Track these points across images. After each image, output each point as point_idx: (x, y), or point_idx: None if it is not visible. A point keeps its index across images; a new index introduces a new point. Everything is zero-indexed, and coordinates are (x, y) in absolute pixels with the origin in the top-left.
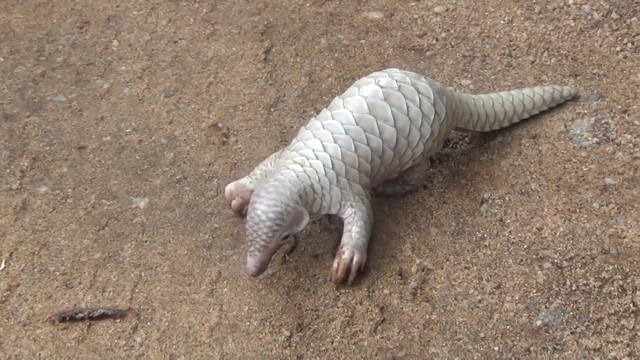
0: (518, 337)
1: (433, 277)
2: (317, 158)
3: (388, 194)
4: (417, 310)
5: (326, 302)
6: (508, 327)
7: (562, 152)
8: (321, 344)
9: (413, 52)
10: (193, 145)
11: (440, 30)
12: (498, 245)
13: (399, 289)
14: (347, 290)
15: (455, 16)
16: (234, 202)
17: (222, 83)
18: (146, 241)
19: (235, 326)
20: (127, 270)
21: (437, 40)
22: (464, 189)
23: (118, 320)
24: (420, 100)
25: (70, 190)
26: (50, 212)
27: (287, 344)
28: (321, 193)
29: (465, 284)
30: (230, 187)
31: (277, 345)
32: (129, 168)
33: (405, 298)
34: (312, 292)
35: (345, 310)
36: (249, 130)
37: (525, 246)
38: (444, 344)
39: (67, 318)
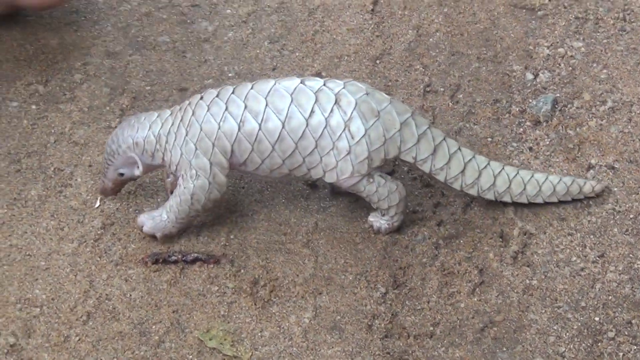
0: (620, 309)
1: (535, 242)
2: (181, 110)
3: (383, 230)
4: (517, 275)
5: (424, 260)
6: (610, 297)
7: None
8: (417, 303)
9: (524, 11)
10: None
11: None
12: (603, 214)
13: (500, 252)
14: (446, 250)
15: None
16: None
17: (327, 32)
18: (243, 188)
19: (330, 279)
20: (223, 215)
21: (549, 0)
22: (570, 154)
23: (211, 266)
24: (332, 110)
25: None
26: None
27: (382, 300)
28: (163, 147)
29: (568, 250)
30: None
31: (371, 301)
32: None
33: (506, 261)
34: (410, 249)
35: (443, 269)
36: (353, 79)
37: (631, 216)
38: (544, 311)
39: (160, 260)
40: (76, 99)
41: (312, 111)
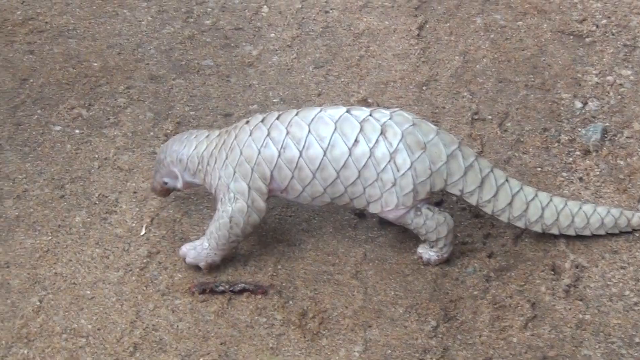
0: None
1: (587, 275)
2: (227, 132)
3: (432, 261)
4: (569, 309)
5: (475, 293)
6: None
7: None
8: (468, 337)
9: (572, 37)
10: None
11: (600, 16)
12: None
13: (552, 285)
14: (497, 283)
15: (617, 3)
16: None
17: (373, 57)
18: (290, 216)
19: (379, 311)
20: (270, 245)
21: (597, 27)
22: (621, 185)
23: (259, 297)
24: (377, 141)
25: None
26: None
27: (433, 334)
28: (205, 168)
29: (621, 284)
30: None
31: (422, 334)
32: None
33: (558, 295)
34: (461, 281)
35: (495, 303)
36: (400, 108)
37: None
38: (597, 347)
39: (207, 290)
40: (120, 124)
41: (356, 140)
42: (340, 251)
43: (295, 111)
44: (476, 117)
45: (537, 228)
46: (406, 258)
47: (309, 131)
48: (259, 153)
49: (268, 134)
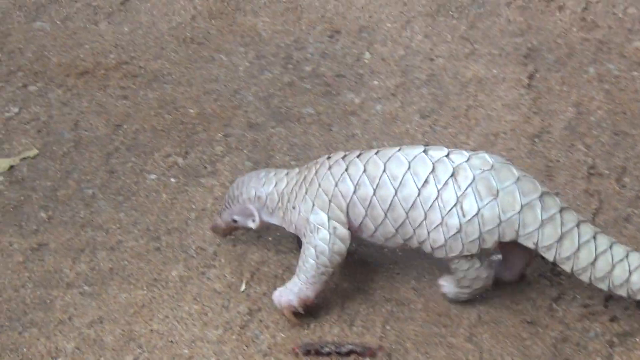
0: None
1: None
2: (307, 168)
3: (449, 296)
4: None
5: (597, 359)
6: None
7: None
8: None
9: None
10: None
11: None
12: None
13: None
14: (621, 349)
15: None
16: None
17: (481, 107)
18: (398, 274)
19: None
20: (377, 303)
21: None
22: None
23: (367, 359)
24: (447, 183)
25: None
26: None
27: None
28: (285, 205)
29: None
30: None
31: None
32: None
33: None
34: (582, 346)
35: None
36: (511, 161)
37: None
38: None
39: (312, 351)
40: (217, 173)
41: (426, 181)
42: (452, 312)
43: (375, 150)
44: (592, 171)
45: (622, 292)
46: (522, 320)
47: (384, 170)
48: (336, 186)
49: (346, 170)
